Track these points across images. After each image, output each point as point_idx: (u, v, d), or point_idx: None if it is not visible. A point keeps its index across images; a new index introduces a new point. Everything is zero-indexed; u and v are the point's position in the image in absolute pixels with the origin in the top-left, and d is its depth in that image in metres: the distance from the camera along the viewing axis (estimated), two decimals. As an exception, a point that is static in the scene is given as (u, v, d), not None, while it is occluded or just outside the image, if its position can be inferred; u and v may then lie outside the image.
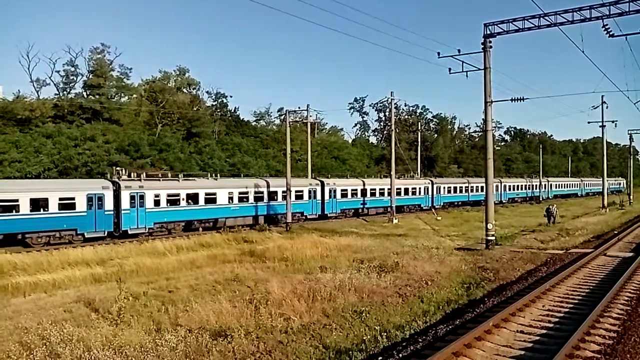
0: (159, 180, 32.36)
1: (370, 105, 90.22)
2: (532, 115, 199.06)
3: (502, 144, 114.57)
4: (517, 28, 23.33)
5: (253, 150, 56.10)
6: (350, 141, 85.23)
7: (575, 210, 53.80)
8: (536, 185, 75.46)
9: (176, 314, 12.36)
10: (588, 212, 50.53)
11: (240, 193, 35.61)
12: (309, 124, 52.30)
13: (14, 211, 25.60)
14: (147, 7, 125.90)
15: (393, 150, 43.68)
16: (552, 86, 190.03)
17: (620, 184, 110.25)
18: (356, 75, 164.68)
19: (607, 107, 50.78)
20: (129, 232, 29.68)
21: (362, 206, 46.21)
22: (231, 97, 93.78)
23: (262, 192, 37.24)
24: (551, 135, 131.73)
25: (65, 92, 53.53)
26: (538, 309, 12.26)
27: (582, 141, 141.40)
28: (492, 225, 24.19)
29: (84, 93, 53.08)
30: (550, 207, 39.55)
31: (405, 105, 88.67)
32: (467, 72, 24.80)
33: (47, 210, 26.60)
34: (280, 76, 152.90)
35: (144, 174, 32.20)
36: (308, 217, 40.76)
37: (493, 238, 24.04)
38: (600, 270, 17.53)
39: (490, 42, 23.81)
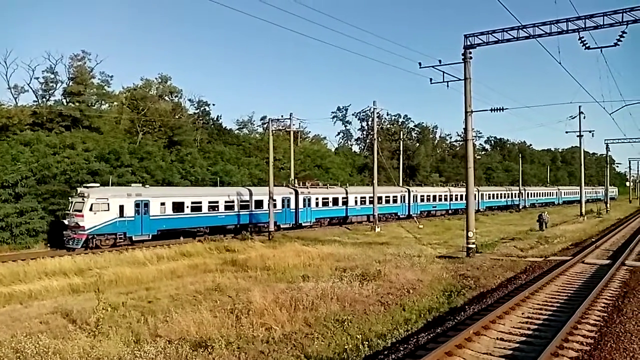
0: (315, 187, 44.93)
1: (353, 114, 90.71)
2: (512, 125, 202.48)
3: (483, 153, 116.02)
4: (496, 39, 23.75)
5: (235, 158, 55.80)
6: (333, 150, 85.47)
7: (553, 218, 54.67)
8: (515, 193, 76.59)
9: (156, 324, 12.18)
10: (566, 220, 51.37)
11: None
12: (292, 133, 52.37)
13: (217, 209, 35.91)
14: (129, 14, 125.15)
15: (375, 159, 43.97)
16: (531, 96, 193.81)
17: (613, 191, 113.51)
18: (339, 84, 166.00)
19: (584, 118, 51.95)
20: (302, 225, 41.79)
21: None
22: (214, 105, 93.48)
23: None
24: (530, 145, 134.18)
25: (44, 100, 52.67)
26: (517, 316, 12.41)
27: (560, 150, 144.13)
28: (473, 234, 24.43)
29: (64, 100, 52.24)
30: (542, 214, 40.50)
31: (388, 115, 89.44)
32: (447, 82, 25.15)
33: (262, 208, 38.54)
34: (264, 85, 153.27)
35: (309, 184, 44.89)
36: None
37: (474, 246, 24.27)
38: (578, 277, 17.82)
39: (470, 53, 24.18)
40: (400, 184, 63.07)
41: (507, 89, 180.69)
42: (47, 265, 22.35)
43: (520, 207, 74.60)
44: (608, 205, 71.27)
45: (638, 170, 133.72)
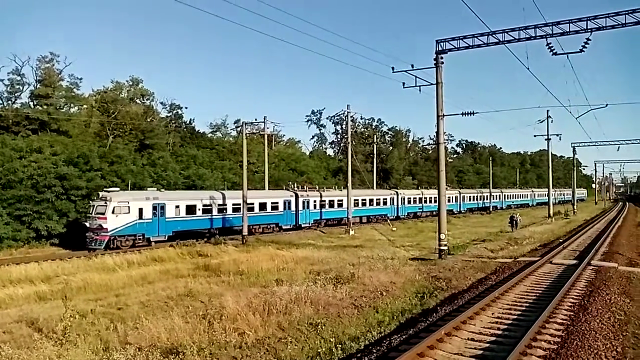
0: (312, 190, 46.94)
1: (327, 118, 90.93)
2: (483, 129, 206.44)
3: (455, 156, 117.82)
4: (467, 45, 24.20)
5: (209, 162, 55.24)
6: (307, 153, 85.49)
7: (523, 219, 55.94)
8: (486, 196, 78.28)
9: (125, 331, 11.94)
10: (535, 221, 52.59)
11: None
12: (266, 136, 52.08)
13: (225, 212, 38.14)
14: (99, 15, 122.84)
15: (350, 163, 44.20)
16: (501, 101, 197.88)
17: (583, 193, 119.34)
18: (313, 88, 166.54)
19: (552, 121, 53.41)
20: (302, 226, 43.89)
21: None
22: (186, 108, 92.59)
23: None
24: (500, 148, 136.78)
25: (10, 102, 51.22)
26: (488, 317, 12.61)
27: (529, 153, 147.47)
28: (445, 236, 24.77)
29: (31, 103, 50.89)
30: (514, 215, 41.42)
31: (362, 118, 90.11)
32: (420, 86, 25.46)
33: (265, 211, 41.11)
34: (237, 88, 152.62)
35: (306, 187, 47.24)
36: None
37: (446, 248, 24.60)
38: (546, 277, 18.23)
39: (442, 58, 24.55)
40: (374, 187, 63.62)
41: (478, 93, 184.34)
42: (12, 273, 21.69)
43: (490, 210, 76.24)
44: (575, 206, 73.25)
45: (603, 173, 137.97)
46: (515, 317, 12.60)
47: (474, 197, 75.37)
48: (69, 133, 48.11)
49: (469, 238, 35.44)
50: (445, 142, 27.46)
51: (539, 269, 19.96)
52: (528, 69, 24.76)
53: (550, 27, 22.33)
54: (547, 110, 52.99)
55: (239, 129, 63.66)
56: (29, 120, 46.16)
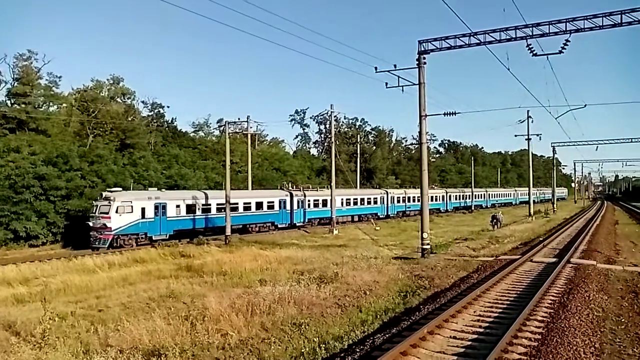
0: (308, 190, 48.34)
1: (311, 118, 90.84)
2: (465, 129, 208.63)
3: (437, 156, 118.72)
4: (449, 45, 24.40)
5: (191, 162, 54.80)
6: (291, 153, 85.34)
7: (504, 218, 56.66)
8: (468, 195, 79.32)
9: (106, 334, 11.77)
10: (516, 220, 53.28)
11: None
12: (249, 135, 51.81)
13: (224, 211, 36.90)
14: (80, 12, 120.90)
15: (333, 162, 44.24)
16: (482, 101, 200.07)
17: (564, 192, 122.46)
18: (297, 87, 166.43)
19: (532, 122, 54.26)
20: (297, 225, 44.98)
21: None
22: (168, 107, 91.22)
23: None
24: (482, 148, 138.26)
25: (-15, 101, 50.10)
26: (470, 315, 12.74)
27: (510, 153, 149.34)
28: (428, 235, 24.95)
29: (8, 102, 49.82)
30: (497, 214, 41.98)
31: (345, 118, 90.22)
32: (402, 86, 25.59)
33: (262, 209, 41.92)
34: (220, 87, 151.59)
35: (302, 188, 48.39)
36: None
37: (428, 247, 24.78)
38: (527, 275, 18.49)
39: (424, 58, 24.71)
40: (358, 187, 63.87)
41: (460, 93, 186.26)
42: (-11, 275, 21.22)
43: (472, 209, 77.19)
44: (555, 205, 74.43)
45: (582, 172, 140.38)
46: (497, 314, 12.75)
47: (460, 196, 77.52)
48: (47, 132, 47.19)
49: (452, 237, 35.76)
50: (427, 142, 27.72)
51: (520, 267, 20.23)
52: (509, 69, 25.10)
53: (530, 28, 22.65)
54: (528, 111, 53.86)
55: (221, 128, 63.31)
56: (6, 119, 45.18)
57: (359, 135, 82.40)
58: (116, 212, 31.37)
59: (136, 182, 42.01)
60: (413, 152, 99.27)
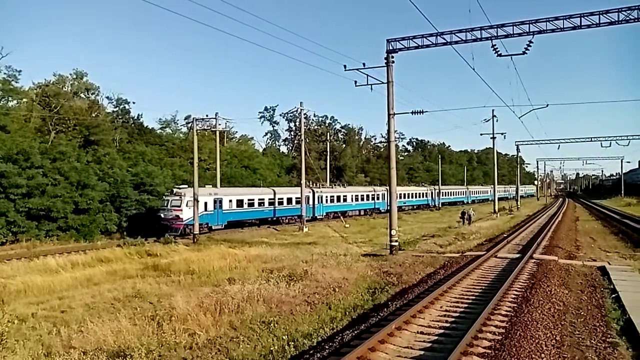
0: (324, 187, 55.96)
1: (280, 115, 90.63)
2: (433, 127, 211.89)
3: (405, 154, 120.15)
4: (416, 45, 24.69)
5: (158, 159, 53.81)
6: (261, 150, 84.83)
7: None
8: (462, 191, 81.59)
9: (69, 335, 11.48)
10: (481, 217, 54.45)
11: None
12: (217, 133, 51.31)
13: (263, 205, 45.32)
14: (41, 4, 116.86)
15: (303, 160, 44.25)
16: (449, 100, 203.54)
17: (532, 189, 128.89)
18: (267, 84, 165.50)
19: (497, 121, 55.76)
20: (318, 217, 51.70)
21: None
22: (134, 103, 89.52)
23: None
24: (449, 146, 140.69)
25: (-60, 95, 47.90)
26: (436, 310, 12.96)
27: (476, 151, 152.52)
28: (396, 232, 25.23)
29: (-36, 96, 47.88)
30: (466, 210, 42.90)
31: (315, 116, 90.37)
32: (371, 85, 25.73)
33: (292, 204, 47.76)
34: (188, 83, 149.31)
35: (321, 185, 56.24)
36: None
37: (397, 244, 25.05)
38: (492, 271, 18.94)
39: (392, 57, 24.92)
40: (328, 184, 64.05)
41: (427, 92, 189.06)
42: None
43: (439, 206, 78.51)
44: (519, 203, 76.43)
45: (545, 170, 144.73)
46: (463, 309, 13.02)
47: (450, 192, 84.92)
48: (7, 128, 45.40)
49: (419, 234, 36.29)
50: (396, 140, 28.02)
51: (485, 262, 20.70)
52: (474, 69, 25.62)
53: (495, 29, 23.15)
54: (493, 110, 55.15)
55: (189, 125, 62.24)
56: (-38, 115, 43.36)
57: (328, 133, 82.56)
58: (187, 205, 37.09)
59: (101, 179, 41.01)
60: (382, 150, 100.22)
